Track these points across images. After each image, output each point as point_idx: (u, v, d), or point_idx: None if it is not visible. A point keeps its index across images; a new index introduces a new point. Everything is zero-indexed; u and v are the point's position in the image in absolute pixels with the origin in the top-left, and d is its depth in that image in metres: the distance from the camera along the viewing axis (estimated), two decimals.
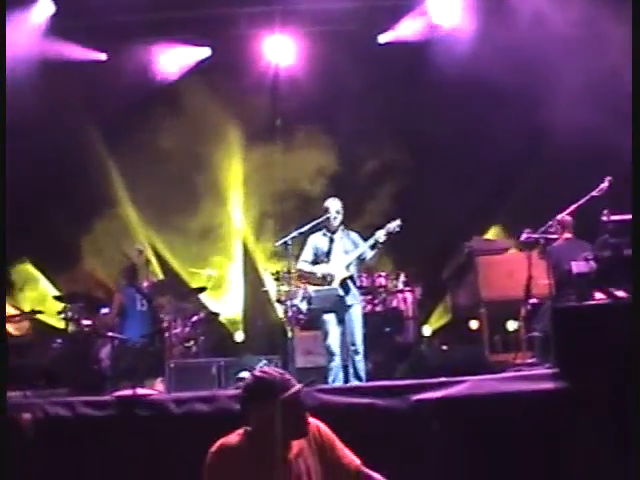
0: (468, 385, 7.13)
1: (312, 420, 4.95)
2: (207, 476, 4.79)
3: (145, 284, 12.53)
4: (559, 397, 6.79)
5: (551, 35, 12.85)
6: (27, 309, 13.87)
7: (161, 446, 6.95)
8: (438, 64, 13.69)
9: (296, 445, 4.85)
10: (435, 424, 6.93)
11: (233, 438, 4.87)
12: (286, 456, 4.79)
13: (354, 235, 10.43)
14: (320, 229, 10.41)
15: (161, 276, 14.61)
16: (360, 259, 10.24)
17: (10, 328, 11.54)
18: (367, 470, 4.89)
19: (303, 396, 4.83)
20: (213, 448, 4.83)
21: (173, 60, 15.46)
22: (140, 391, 7.79)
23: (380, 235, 10.15)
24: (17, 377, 11.35)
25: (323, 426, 4.99)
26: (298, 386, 4.83)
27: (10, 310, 12.61)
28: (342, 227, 10.43)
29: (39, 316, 13.53)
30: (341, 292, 9.99)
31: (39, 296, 14.78)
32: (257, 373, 4.93)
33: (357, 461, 4.92)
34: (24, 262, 15.10)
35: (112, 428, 7.28)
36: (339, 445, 4.94)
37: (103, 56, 15.32)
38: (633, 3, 7.78)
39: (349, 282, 10.13)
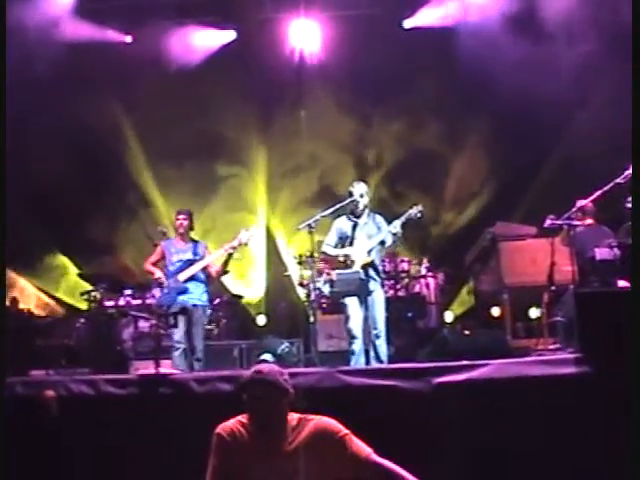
0: (490, 368, 7.11)
1: (318, 417, 5.02)
2: (212, 455, 4.99)
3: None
4: (582, 381, 6.76)
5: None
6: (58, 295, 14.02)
7: (182, 424, 6.98)
8: (464, 49, 13.66)
9: (296, 438, 4.93)
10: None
11: (234, 423, 5.05)
12: (282, 448, 4.89)
13: (379, 219, 10.37)
14: (346, 213, 10.40)
15: None
16: (381, 244, 10.22)
17: (35, 308, 11.58)
18: (377, 458, 4.89)
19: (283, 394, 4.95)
20: (217, 429, 5.02)
21: (198, 43, 15.45)
22: (162, 370, 7.83)
23: (399, 222, 10.15)
24: (40, 357, 11.51)
25: (332, 422, 5.01)
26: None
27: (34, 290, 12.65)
28: (367, 211, 10.40)
29: (63, 297, 13.65)
30: (363, 276, 9.98)
31: (69, 283, 14.82)
32: (252, 369, 5.10)
33: (367, 450, 4.92)
34: (54, 252, 15.17)
35: (134, 406, 7.32)
36: (349, 438, 4.94)
37: (128, 38, 15.34)
38: (633, 3, 7.72)
39: (371, 267, 10.13)
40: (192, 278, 10.54)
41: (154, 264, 10.76)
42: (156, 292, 10.71)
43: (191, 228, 10.95)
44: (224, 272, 11.04)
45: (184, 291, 10.47)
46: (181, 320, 10.32)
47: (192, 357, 10.32)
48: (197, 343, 10.39)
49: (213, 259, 10.67)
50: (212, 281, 11.09)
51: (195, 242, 10.89)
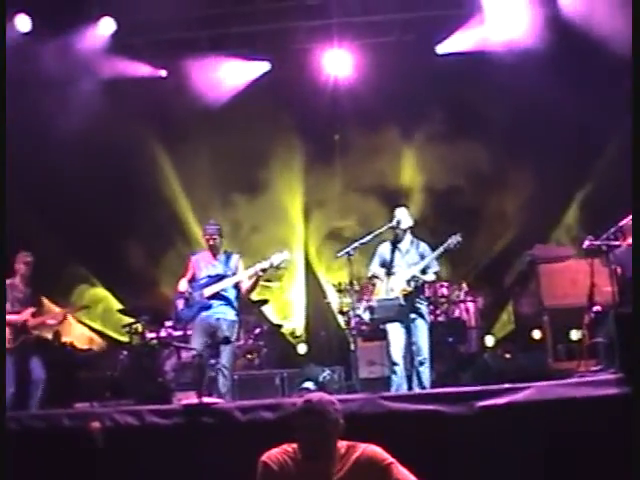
0: (533, 391, 7.09)
1: (366, 445, 5.04)
2: None
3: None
4: (624, 402, 6.73)
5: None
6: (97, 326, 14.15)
7: (226, 453, 7.01)
8: (495, 74, 13.70)
9: (344, 466, 4.95)
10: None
11: (280, 451, 5.06)
12: (329, 476, 4.92)
13: (423, 246, 10.38)
14: (390, 239, 10.42)
15: None
16: (423, 273, 10.19)
17: (77, 342, 11.70)
18: None
19: (331, 421, 4.96)
20: (263, 457, 5.05)
21: (233, 75, 15.54)
22: (205, 399, 7.87)
23: (436, 253, 10.17)
24: (84, 389, 11.61)
25: (378, 450, 5.03)
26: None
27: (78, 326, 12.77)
28: (410, 237, 10.41)
29: (106, 331, 13.77)
30: (403, 302, 9.97)
31: (111, 315, 14.91)
32: (302, 398, 5.16)
33: (412, 479, 4.94)
34: (93, 284, 15.29)
35: (178, 436, 7.36)
36: (395, 467, 4.95)
37: (163, 72, 15.51)
38: (633, 3, 7.72)
39: (414, 294, 10.10)
40: (220, 295, 10.21)
41: (189, 282, 10.46)
42: (179, 304, 10.52)
43: (221, 240, 10.59)
44: (252, 290, 10.62)
45: (208, 307, 10.17)
46: (225, 349, 9.99)
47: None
48: (224, 360, 9.96)
49: (242, 277, 10.30)
50: (242, 298, 10.62)
51: (227, 255, 10.57)
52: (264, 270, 10.20)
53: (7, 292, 10.94)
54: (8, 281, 10.99)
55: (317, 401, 5.02)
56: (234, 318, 10.29)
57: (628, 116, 11.85)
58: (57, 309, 11.64)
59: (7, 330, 10.73)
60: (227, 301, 10.28)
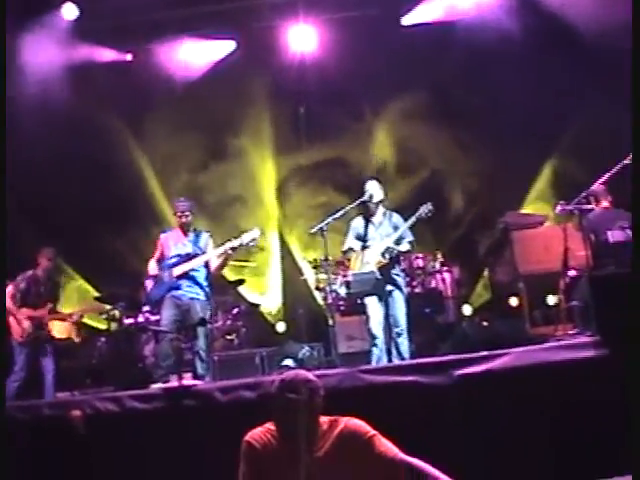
0: (510, 357, 7.13)
1: (347, 419, 5.03)
2: (242, 464, 5.00)
3: None
4: (601, 364, 6.78)
5: None
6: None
7: (209, 434, 7.03)
8: (464, 43, 13.69)
9: (326, 442, 4.94)
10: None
11: (264, 430, 5.04)
12: (313, 453, 4.89)
13: (396, 217, 10.38)
14: (361, 212, 10.42)
15: None
16: (397, 243, 10.20)
17: (55, 331, 11.68)
18: (404, 457, 4.87)
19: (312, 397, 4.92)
20: (246, 437, 5.03)
21: (198, 56, 15.46)
22: (186, 382, 7.87)
23: (409, 223, 10.17)
24: (65, 379, 11.60)
25: (360, 423, 5.01)
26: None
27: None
28: (382, 210, 10.41)
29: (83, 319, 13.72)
30: (379, 275, 9.98)
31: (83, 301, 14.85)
32: (279, 377, 5.09)
33: (394, 450, 4.91)
34: (72, 276, 15.20)
35: (160, 420, 7.37)
36: (377, 439, 4.94)
37: (129, 56, 15.40)
38: (633, 3, 7.73)
39: (390, 266, 10.12)
40: (189, 274, 10.10)
41: (158, 262, 10.35)
42: (148, 285, 10.53)
43: (192, 218, 10.47)
44: (222, 268, 10.55)
45: (178, 287, 10.06)
46: (201, 331, 9.92)
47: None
48: (201, 342, 9.90)
49: (211, 256, 10.20)
50: (213, 277, 10.46)
51: (197, 234, 10.47)
52: (234, 249, 10.12)
53: (29, 285, 11.40)
54: (30, 273, 11.47)
55: (292, 379, 4.98)
56: (206, 298, 10.24)
57: (596, 94, 12.00)
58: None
59: (26, 323, 11.20)
60: (197, 281, 10.18)
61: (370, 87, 14.88)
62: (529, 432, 6.79)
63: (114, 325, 12.48)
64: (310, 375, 5.07)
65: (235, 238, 10.11)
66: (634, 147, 7.23)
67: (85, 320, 13.69)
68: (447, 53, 14.15)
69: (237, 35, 15.43)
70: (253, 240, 10.16)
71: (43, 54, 13.56)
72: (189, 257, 10.19)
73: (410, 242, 10.28)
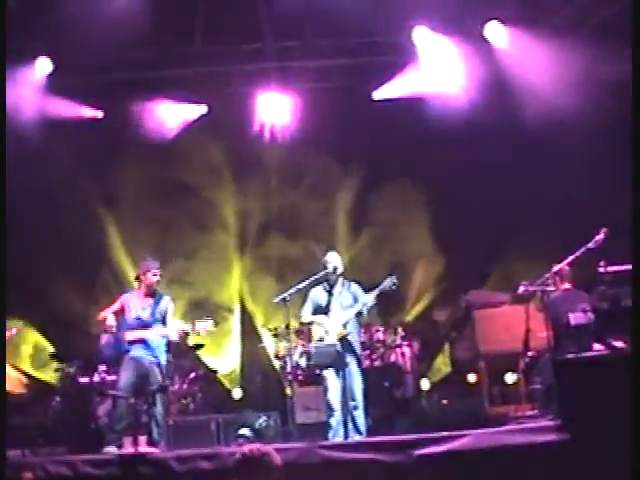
0: (470, 439, 7.12)
1: None
2: None
3: None
4: (562, 449, 6.77)
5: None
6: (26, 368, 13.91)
7: None
8: (433, 119, 13.83)
9: None
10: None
11: None
12: None
13: (355, 287, 10.37)
14: (321, 283, 10.41)
15: None
16: (358, 314, 10.20)
17: (9, 385, 11.49)
18: None
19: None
20: None
21: (170, 117, 15.48)
22: (142, 448, 7.76)
23: (372, 295, 10.16)
24: (16, 436, 11.34)
25: None
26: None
27: (10, 370, 12.56)
28: (342, 280, 10.41)
29: (37, 374, 13.53)
30: (339, 348, 9.96)
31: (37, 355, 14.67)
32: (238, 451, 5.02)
33: None
34: (25, 324, 15.02)
35: None
36: None
37: (100, 114, 15.38)
38: (633, 3, 7.83)
39: (348, 338, 10.10)
40: (144, 340, 9.99)
41: (116, 315, 10.12)
42: (103, 338, 10.51)
43: (159, 279, 10.36)
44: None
45: (136, 349, 9.94)
46: (159, 398, 9.83)
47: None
48: (159, 407, 9.81)
49: (167, 332, 10.12)
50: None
51: (159, 296, 10.32)
52: (186, 333, 10.37)
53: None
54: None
55: (253, 456, 4.92)
56: (164, 362, 10.13)
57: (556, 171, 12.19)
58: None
59: None
60: (156, 344, 10.10)
61: (336, 157, 15.03)
62: None
63: (68, 382, 12.32)
64: (269, 450, 5.02)
65: (188, 323, 10.23)
66: (634, 147, 7.28)
67: (37, 375, 13.55)
68: (415, 129, 14.28)
69: (209, 99, 15.48)
70: (206, 331, 10.20)
71: (14, 107, 13.50)
72: (145, 325, 10.08)
73: (369, 307, 10.24)
